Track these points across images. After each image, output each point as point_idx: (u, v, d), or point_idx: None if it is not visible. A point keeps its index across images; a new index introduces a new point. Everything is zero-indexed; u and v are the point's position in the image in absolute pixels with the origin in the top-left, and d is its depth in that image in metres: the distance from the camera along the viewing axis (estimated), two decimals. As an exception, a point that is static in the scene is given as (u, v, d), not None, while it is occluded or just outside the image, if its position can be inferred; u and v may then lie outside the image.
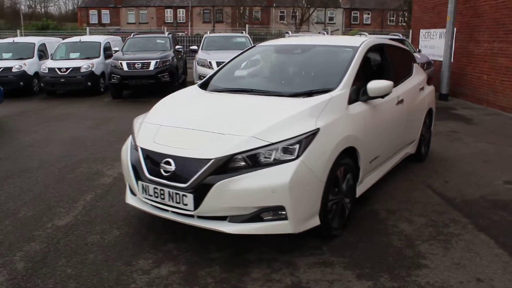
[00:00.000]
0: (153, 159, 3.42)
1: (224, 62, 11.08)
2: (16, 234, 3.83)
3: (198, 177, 3.17)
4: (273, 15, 43.91)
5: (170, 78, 11.72)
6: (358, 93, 4.03)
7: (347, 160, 3.68)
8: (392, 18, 47.06)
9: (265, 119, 3.42)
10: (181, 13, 47.07)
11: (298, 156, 3.19)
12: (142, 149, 3.54)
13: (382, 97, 4.14)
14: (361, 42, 4.51)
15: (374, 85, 4.04)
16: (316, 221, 3.38)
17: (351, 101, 3.91)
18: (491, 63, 10.51)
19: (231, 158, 3.16)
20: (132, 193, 3.79)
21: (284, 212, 3.18)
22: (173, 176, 3.28)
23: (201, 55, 11.68)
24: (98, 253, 3.47)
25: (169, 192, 3.28)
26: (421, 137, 5.68)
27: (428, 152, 6.16)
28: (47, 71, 12.24)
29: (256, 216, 3.19)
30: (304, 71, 4.47)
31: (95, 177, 5.35)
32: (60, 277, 3.14)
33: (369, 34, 14.41)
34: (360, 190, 4.07)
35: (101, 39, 13.66)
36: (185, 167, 3.25)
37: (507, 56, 9.89)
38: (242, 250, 3.51)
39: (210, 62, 11.25)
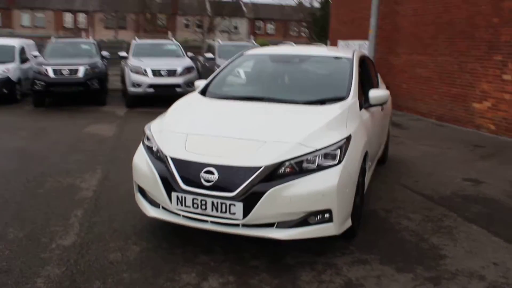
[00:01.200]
0: (190, 169, 3.32)
1: (159, 69, 10.97)
2: (21, 259, 3.43)
3: (247, 185, 3.15)
4: (178, 23, 43.43)
5: (100, 86, 11.12)
6: (361, 101, 4.29)
7: (363, 164, 3.91)
8: (295, 29, 49.33)
9: (304, 127, 3.52)
10: (82, 17, 44.34)
11: (340, 161, 3.33)
12: (173, 159, 3.40)
13: (381, 104, 4.45)
14: (352, 53, 4.80)
15: (375, 94, 4.34)
16: (349, 222, 3.55)
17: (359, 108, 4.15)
18: (410, 73, 11.62)
19: (280, 165, 3.20)
20: (153, 205, 3.62)
21: (328, 215, 3.30)
22: (216, 186, 3.21)
23: (134, 62, 11.25)
24: (132, 272, 3.26)
25: (212, 202, 3.21)
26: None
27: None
28: (-47, 76, 10.87)
29: (304, 221, 3.26)
30: (308, 80, 4.63)
31: (72, 192, 4.95)
32: (106, 299, 2.92)
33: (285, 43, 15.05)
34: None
35: (16, 42, 12.47)
36: (230, 175, 3.20)
37: (425, 67, 11.02)
38: (277, 256, 3.55)
39: (145, 70, 10.90)
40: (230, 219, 3.21)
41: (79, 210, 4.42)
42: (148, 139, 3.85)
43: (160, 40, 15.23)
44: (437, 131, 9.44)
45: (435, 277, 3.29)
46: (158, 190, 3.44)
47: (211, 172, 3.23)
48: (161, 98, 11.94)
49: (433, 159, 6.86)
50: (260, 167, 3.17)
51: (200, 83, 4.96)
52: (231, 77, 4.92)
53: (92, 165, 6.01)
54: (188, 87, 11.19)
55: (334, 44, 16.58)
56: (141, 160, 3.72)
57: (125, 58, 12.09)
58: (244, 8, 48.25)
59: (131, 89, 10.91)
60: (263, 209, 3.15)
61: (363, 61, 5.14)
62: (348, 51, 4.99)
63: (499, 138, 8.62)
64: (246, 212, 3.16)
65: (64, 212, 4.37)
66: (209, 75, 13.42)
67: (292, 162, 3.23)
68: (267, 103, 4.12)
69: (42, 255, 3.48)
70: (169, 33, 16.93)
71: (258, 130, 3.55)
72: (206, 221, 3.33)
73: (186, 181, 3.31)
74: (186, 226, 3.51)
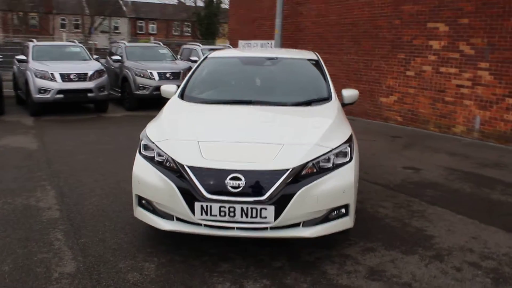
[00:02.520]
0: (213, 177, 3.25)
1: (69, 73, 10.16)
2: (25, 293, 3.05)
3: (277, 188, 3.21)
4: (54, 23, 39.88)
5: (-3, 93, 9.97)
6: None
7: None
8: (178, 29, 48.72)
9: (313, 128, 3.68)
10: None
11: (351, 158, 3.56)
12: (191, 168, 3.30)
13: (352, 103, 4.78)
14: (315, 54, 5.08)
15: (348, 93, 4.66)
16: (354, 215, 3.79)
17: (339, 107, 4.43)
18: (317, 72, 12.37)
19: (304, 166, 3.31)
20: (165, 218, 3.47)
21: (343, 210, 3.50)
22: (244, 191, 3.21)
23: (37, 66, 10.22)
24: (163, 289, 3.12)
25: (242, 208, 3.20)
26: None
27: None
28: None
29: (326, 217, 3.42)
30: (286, 82, 4.76)
31: (34, 213, 4.45)
32: (155, 321, 2.76)
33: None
34: None
35: None
36: (258, 180, 3.22)
37: (332, 65, 11.80)
38: (293, 254, 3.65)
39: (52, 74, 10.00)
40: (261, 223, 3.24)
41: (58, 233, 4.02)
42: (145, 148, 3.67)
43: (61, 42, 14.04)
44: (352, 125, 10.16)
45: (437, 255, 3.70)
46: (176, 201, 3.31)
47: (237, 178, 3.21)
48: (70, 105, 11.20)
49: (367, 151, 7.47)
50: (288, 169, 3.25)
51: (168, 88, 4.80)
52: (206, 80, 4.84)
53: (36, 182, 5.43)
54: (100, 92, 10.57)
55: (234, 44, 16.89)
56: (145, 172, 3.53)
57: (22, 61, 10.93)
58: (124, 8, 46.26)
59: (37, 96, 9.94)
60: (293, 210, 3.23)
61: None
62: (310, 53, 5.26)
63: (407, 128, 9.68)
64: (277, 214, 3.21)
65: (41, 236, 3.94)
66: (117, 79, 12.75)
67: (314, 162, 3.36)
68: (258, 106, 4.19)
69: (51, 287, 3.14)
70: (64, 34, 15.55)
71: (268, 133, 3.62)
72: (232, 228, 3.30)
73: (210, 190, 3.24)
74: (188, 235, 3.52)
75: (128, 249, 3.72)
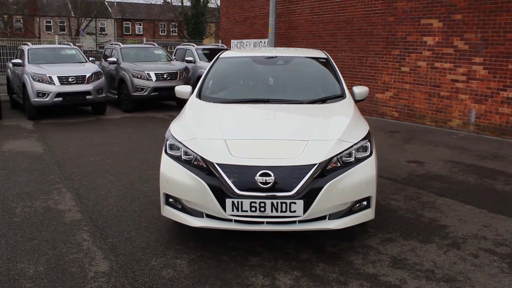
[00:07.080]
0: (243, 173, 3.37)
1: (67, 76, 10.16)
2: (66, 292, 3.14)
3: (305, 182, 3.34)
4: (39, 25, 39.33)
5: (-6, 98, 9.91)
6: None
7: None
8: (164, 29, 48.56)
9: (335, 124, 3.84)
10: None
11: (371, 152, 3.71)
12: (221, 165, 3.41)
13: (363, 100, 4.94)
14: (324, 53, 5.23)
15: (359, 90, 4.81)
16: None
17: (351, 104, 4.58)
18: (312, 69, 12.54)
19: (329, 161, 3.45)
20: (195, 215, 3.57)
21: (365, 203, 3.65)
22: (274, 187, 3.34)
23: (34, 69, 10.19)
24: (200, 285, 3.22)
25: (272, 203, 3.32)
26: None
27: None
28: None
29: (350, 210, 3.56)
30: (300, 80, 4.90)
31: (55, 215, 4.52)
32: (198, 314, 2.87)
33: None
34: None
35: None
36: (286, 175, 3.35)
37: (327, 63, 12.02)
38: (317, 247, 3.80)
39: (50, 77, 9.98)
40: (291, 217, 3.37)
41: (84, 234, 4.10)
42: (171, 148, 3.77)
43: (56, 45, 13.96)
44: (350, 120, 10.40)
45: (453, 243, 3.87)
46: (207, 199, 3.42)
47: (267, 174, 3.33)
48: (67, 108, 11.20)
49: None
50: (315, 164, 3.39)
51: (182, 89, 4.92)
52: (222, 80, 4.95)
53: (51, 185, 5.49)
54: (99, 94, 10.58)
55: (227, 43, 16.97)
56: (173, 171, 3.63)
57: (18, 65, 10.86)
58: (109, 9, 45.89)
59: (36, 99, 9.92)
60: (321, 204, 3.37)
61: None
62: (319, 51, 5.40)
63: (404, 123, 9.90)
64: (306, 208, 3.35)
65: (67, 237, 4.02)
66: (113, 80, 12.72)
67: (338, 157, 3.50)
68: (275, 104, 4.32)
69: (89, 286, 3.22)
70: (56, 37, 15.49)
71: (292, 130, 3.76)
72: (262, 223, 3.43)
73: (240, 186, 3.36)
74: (214, 232, 3.68)
75: (157, 247, 3.82)
